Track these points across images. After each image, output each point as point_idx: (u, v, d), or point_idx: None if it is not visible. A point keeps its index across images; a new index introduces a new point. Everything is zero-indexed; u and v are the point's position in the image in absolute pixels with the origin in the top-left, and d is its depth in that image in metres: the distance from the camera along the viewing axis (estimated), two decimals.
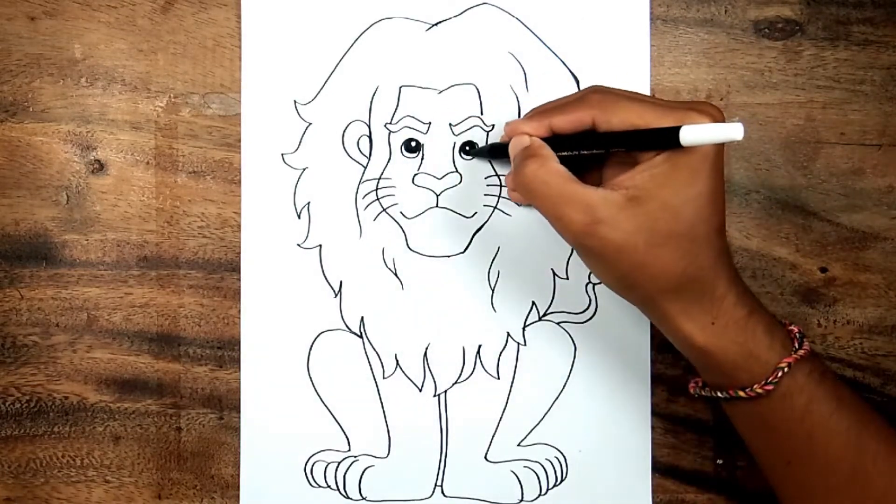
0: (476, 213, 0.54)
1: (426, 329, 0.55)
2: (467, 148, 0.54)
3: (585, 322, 0.55)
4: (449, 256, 0.55)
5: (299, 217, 0.54)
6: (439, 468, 0.55)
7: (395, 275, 0.55)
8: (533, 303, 0.55)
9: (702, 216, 0.43)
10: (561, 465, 0.55)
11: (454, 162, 0.54)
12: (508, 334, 0.55)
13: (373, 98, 0.54)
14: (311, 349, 0.55)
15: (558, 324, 0.55)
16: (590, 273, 0.54)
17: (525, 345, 0.55)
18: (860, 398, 0.47)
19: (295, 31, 0.54)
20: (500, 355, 0.55)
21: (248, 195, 0.54)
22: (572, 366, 0.55)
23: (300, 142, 0.54)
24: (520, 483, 0.55)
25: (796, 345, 0.46)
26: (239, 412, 0.55)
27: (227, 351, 0.55)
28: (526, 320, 0.55)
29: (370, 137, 0.54)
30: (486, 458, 0.55)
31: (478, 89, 0.54)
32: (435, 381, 0.55)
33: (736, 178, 0.55)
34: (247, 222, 0.54)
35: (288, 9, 0.54)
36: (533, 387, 0.55)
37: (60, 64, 0.54)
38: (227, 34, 0.55)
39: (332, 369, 0.55)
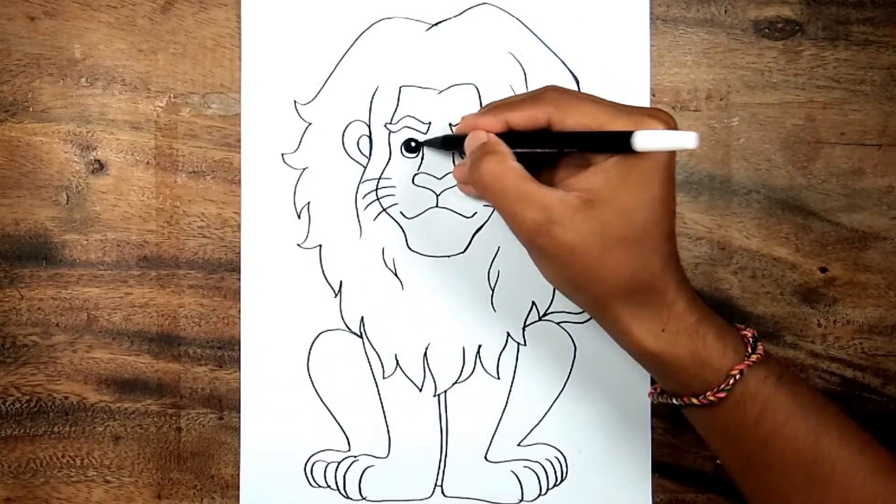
0: (476, 213, 0.54)
1: (426, 329, 0.55)
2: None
3: (585, 322, 0.55)
4: (449, 256, 0.55)
5: (299, 217, 0.54)
6: (439, 468, 0.55)
7: (395, 275, 0.55)
8: (533, 303, 0.55)
9: (654, 221, 0.43)
10: (561, 465, 0.55)
11: (454, 162, 0.54)
12: (508, 334, 0.55)
13: (373, 98, 0.54)
14: (311, 349, 0.55)
15: (558, 324, 0.55)
16: None
17: (525, 345, 0.55)
18: (823, 402, 0.45)
19: (295, 31, 0.54)
20: (500, 355, 0.55)
21: (248, 195, 0.54)
22: (572, 366, 0.55)
23: (300, 142, 0.54)
24: (520, 483, 0.55)
25: (749, 350, 0.45)
26: (239, 412, 0.55)
27: (227, 351, 0.55)
28: (526, 320, 0.55)
29: (370, 137, 0.54)
30: (486, 458, 0.55)
31: (478, 89, 0.54)
32: (435, 381, 0.55)
33: (736, 178, 0.55)
34: (247, 222, 0.54)
35: (288, 9, 0.54)
36: (533, 387, 0.55)
37: (60, 64, 0.54)
38: (227, 34, 0.55)
39: (332, 369, 0.55)
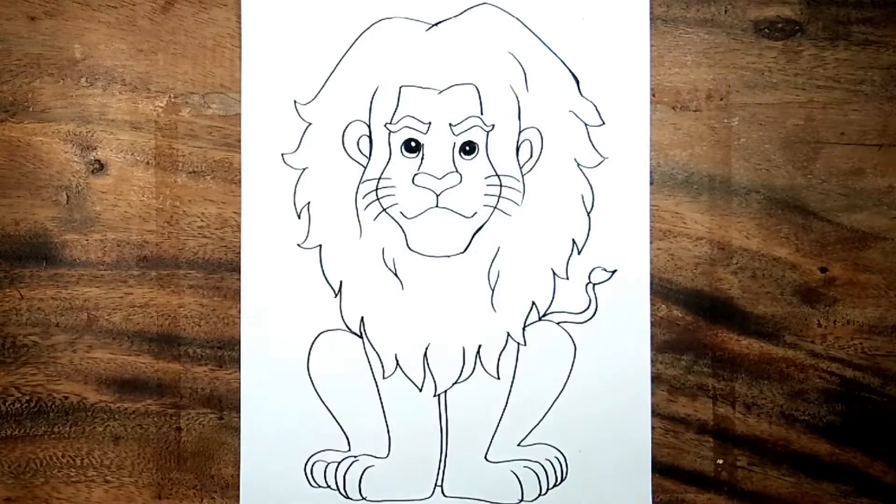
0: (476, 213, 0.54)
1: (426, 329, 0.55)
2: (467, 148, 0.54)
3: (585, 322, 0.55)
4: (449, 256, 0.55)
5: (299, 217, 0.54)
6: (439, 468, 0.55)
7: (395, 275, 0.55)
8: (533, 303, 0.55)
9: None
10: (561, 465, 0.55)
11: (454, 162, 0.54)
12: (508, 334, 0.55)
13: (373, 98, 0.54)
14: (311, 349, 0.55)
15: (558, 324, 0.55)
16: (590, 273, 0.55)
17: (525, 345, 0.55)
18: None
19: (295, 31, 0.54)
20: (500, 355, 0.55)
21: (248, 195, 0.54)
22: (572, 366, 0.55)
23: (300, 142, 0.54)
24: (520, 483, 0.55)
25: None
26: (239, 412, 0.55)
27: (227, 351, 0.55)
28: (526, 320, 0.55)
29: (370, 137, 0.54)
30: (486, 458, 0.55)
31: (478, 89, 0.54)
32: (435, 381, 0.55)
33: (736, 178, 0.55)
34: (247, 222, 0.54)
35: (288, 9, 0.54)
36: (533, 387, 0.55)
37: (60, 64, 0.54)
38: (227, 34, 0.55)
39: (332, 369, 0.55)
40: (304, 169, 0.54)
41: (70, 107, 0.55)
